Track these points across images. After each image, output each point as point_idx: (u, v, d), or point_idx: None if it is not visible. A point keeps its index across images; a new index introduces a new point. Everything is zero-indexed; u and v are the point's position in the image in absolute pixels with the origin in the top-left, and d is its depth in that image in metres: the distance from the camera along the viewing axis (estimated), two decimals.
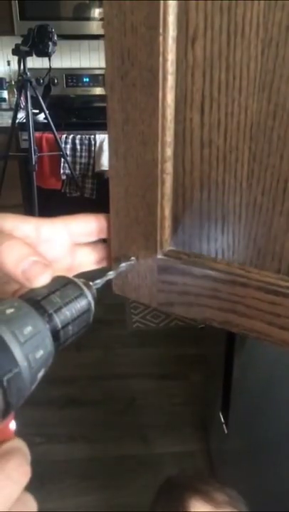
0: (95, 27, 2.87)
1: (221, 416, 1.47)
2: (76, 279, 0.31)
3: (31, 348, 0.26)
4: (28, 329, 0.26)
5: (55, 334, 0.28)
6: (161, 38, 0.31)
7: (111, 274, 0.37)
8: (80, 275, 0.37)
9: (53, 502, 1.51)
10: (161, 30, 0.31)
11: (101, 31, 0.35)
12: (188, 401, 1.94)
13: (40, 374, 0.27)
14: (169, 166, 0.36)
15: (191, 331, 2.36)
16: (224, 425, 1.44)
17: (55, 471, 1.62)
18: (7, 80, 3.25)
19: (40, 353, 0.26)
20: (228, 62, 0.30)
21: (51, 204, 2.73)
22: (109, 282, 0.41)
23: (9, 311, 0.26)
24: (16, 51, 2.33)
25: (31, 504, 0.26)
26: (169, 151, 0.35)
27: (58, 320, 0.28)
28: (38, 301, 0.28)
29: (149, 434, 1.79)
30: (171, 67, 0.32)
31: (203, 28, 0.30)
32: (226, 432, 1.42)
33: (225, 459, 1.51)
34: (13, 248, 0.31)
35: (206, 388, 1.80)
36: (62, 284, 0.30)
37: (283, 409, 1.04)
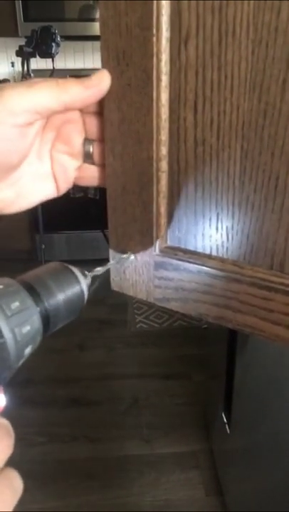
0: (98, 28, 2.87)
1: (224, 416, 1.47)
2: (72, 267, 0.32)
3: (18, 322, 0.26)
4: (16, 304, 0.27)
5: (45, 315, 0.29)
6: (154, 39, 0.32)
7: (103, 268, 0.38)
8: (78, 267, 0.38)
9: (55, 501, 1.51)
10: (154, 31, 0.31)
11: None
12: (190, 401, 1.94)
13: (28, 350, 0.27)
14: (164, 164, 0.36)
15: (194, 331, 2.36)
16: (227, 425, 1.44)
17: (58, 471, 1.62)
18: (11, 81, 3.27)
19: (27, 328, 0.27)
20: (220, 61, 0.30)
21: (55, 205, 2.74)
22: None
23: None
24: (19, 52, 2.34)
25: (16, 481, 0.26)
26: (164, 150, 0.36)
27: (49, 301, 0.29)
28: (29, 282, 0.29)
29: (151, 434, 1.79)
30: (164, 67, 0.33)
31: (195, 28, 0.31)
32: (228, 432, 1.43)
33: (227, 459, 1.51)
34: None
35: (208, 388, 1.80)
36: (57, 270, 0.31)
37: (286, 409, 1.04)
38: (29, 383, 1.90)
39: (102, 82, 0.34)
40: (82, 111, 0.38)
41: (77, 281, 0.31)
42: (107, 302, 2.52)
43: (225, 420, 1.46)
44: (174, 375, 2.09)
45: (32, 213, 2.81)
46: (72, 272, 0.31)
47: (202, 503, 1.54)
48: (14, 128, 0.33)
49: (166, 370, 2.12)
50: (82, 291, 0.31)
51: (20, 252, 3.05)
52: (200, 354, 2.14)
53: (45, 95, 0.33)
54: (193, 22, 0.30)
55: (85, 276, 0.32)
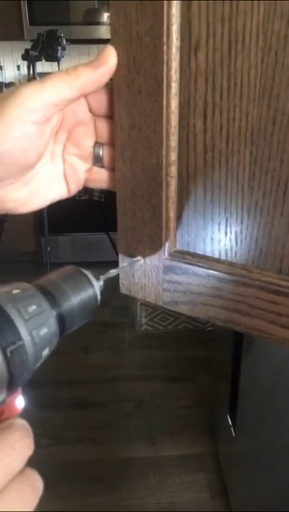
0: (104, 31, 2.89)
1: (229, 418, 1.47)
2: (85, 270, 0.33)
3: (35, 325, 0.27)
4: (33, 308, 0.27)
5: (61, 318, 0.29)
6: (165, 47, 0.32)
7: (115, 271, 0.38)
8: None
9: (61, 503, 1.52)
10: (165, 40, 0.32)
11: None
12: (196, 403, 1.94)
13: (45, 352, 0.28)
14: (173, 170, 0.37)
15: (199, 333, 2.36)
16: (232, 428, 1.44)
17: (63, 473, 1.63)
18: (17, 84, 3.28)
19: (45, 330, 0.27)
20: (230, 69, 0.31)
21: (60, 207, 2.75)
22: (116, 284, 0.42)
23: (15, 291, 0.28)
24: (25, 56, 2.36)
25: (38, 482, 0.26)
26: (173, 156, 0.36)
27: (64, 304, 0.30)
28: (44, 286, 0.30)
29: (156, 436, 1.79)
30: (174, 74, 0.33)
31: (205, 37, 0.31)
32: (233, 434, 1.43)
33: (233, 461, 1.51)
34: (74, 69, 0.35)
35: (213, 391, 1.80)
36: (70, 274, 0.32)
37: None
38: (34, 385, 1.91)
39: (109, 60, 0.35)
40: (94, 114, 0.39)
41: (91, 285, 0.32)
42: (112, 304, 2.53)
43: (230, 423, 1.46)
44: (179, 377, 2.09)
45: (37, 215, 2.82)
46: (86, 276, 0.32)
47: (207, 506, 1.54)
48: (34, 125, 0.34)
49: (171, 372, 2.12)
50: (95, 294, 0.32)
51: (26, 254, 3.06)
52: (205, 356, 2.14)
53: (60, 86, 0.34)
54: (203, 31, 0.31)
55: (97, 279, 0.33)
